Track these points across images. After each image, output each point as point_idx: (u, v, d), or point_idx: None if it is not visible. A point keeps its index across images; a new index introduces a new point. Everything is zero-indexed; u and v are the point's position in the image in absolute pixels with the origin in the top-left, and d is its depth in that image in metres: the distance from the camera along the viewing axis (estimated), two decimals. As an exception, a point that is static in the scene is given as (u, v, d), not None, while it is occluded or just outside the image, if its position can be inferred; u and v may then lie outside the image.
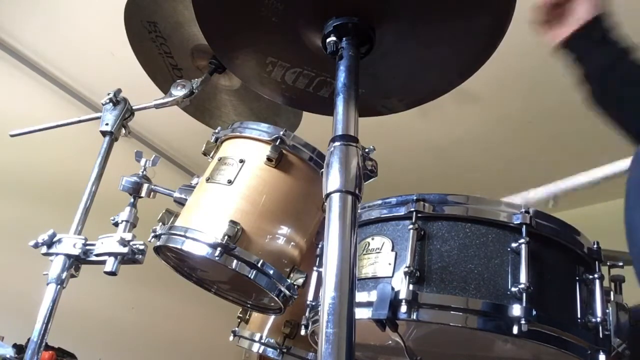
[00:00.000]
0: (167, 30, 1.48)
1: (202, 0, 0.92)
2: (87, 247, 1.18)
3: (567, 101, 2.50)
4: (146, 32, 1.47)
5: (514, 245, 1.01)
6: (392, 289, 0.98)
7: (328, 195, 0.73)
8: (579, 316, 1.02)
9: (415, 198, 1.07)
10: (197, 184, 1.31)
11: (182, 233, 1.15)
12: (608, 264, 1.16)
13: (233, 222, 1.12)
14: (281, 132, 1.24)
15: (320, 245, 1.26)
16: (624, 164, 1.10)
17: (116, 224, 1.32)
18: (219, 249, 1.09)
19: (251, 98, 1.67)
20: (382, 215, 1.12)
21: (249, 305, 1.41)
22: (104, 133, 1.35)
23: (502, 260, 1.00)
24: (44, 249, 1.17)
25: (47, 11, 2.46)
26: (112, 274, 1.15)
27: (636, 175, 0.91)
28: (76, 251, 1.17)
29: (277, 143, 1.22)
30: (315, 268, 1.25)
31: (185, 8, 1.39)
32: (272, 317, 1.53)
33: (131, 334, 2.97)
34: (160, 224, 1.24)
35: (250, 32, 0.96)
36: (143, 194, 1.39)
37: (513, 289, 0.97)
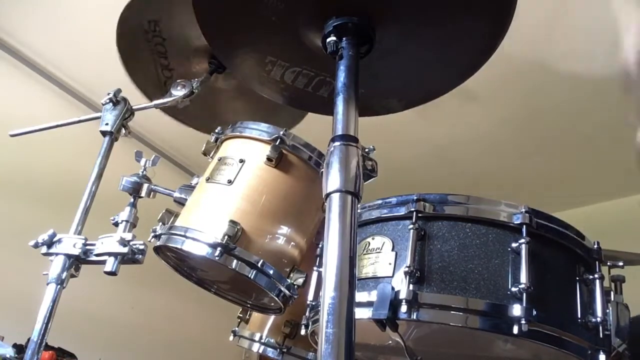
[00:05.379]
0: (169, 29, 1.48)
1: (202, -1, 0.92)
2: (87, 247, 1.18)
3: (568, 101, 2.50)
4: (142, 31, 1.46)
5: (514, 245, 1.01)
6: (393, 288, 0.98)
7: (328, 195, 0.73)
8: (579, 316, 1.02)
9: (415, 198, 1.07)
10: (197, 184, 1.31)
11: (182, 233, 1.15)
12: (608, 264, 1.16)
13: (233, 222, 1.12)
14: (281, 132, 1.24)
15: (320, 245, 1.26)
16: None
17: (116, 224, 1.32)
18: (219, 248, 1.09)
19: (249, 99, 1.67)
20: (383, 215, 1.12)
21: (249, 305, 1.40)
22: (104, 133, 1.35)
23: (503, 260, 1.00)
24: (44, 249, 1.17)
25: (46, 11, 2.46)
26: (112, 274, 1.15)
27: None
28: (76, 251, 1.17)
29: (277, 143, 1.22)
30: (315, 268, 1.25)
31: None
32: (272, 317, 1.53)
33: (131, 334, 2.97)
34: (160, 224, 1.24)
35: (250, 31, 0.96)
36: (143, 194, 1.39)
37: (513, 289, 0.97)
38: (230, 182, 1.21)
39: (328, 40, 0.87)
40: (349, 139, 0.77)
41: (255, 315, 1.58)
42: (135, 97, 1.44)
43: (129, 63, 1.53)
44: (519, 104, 2.59)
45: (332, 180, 0.74)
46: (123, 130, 1.39)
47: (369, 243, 1.10)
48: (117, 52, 1.48)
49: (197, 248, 1.13)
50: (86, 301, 2.31)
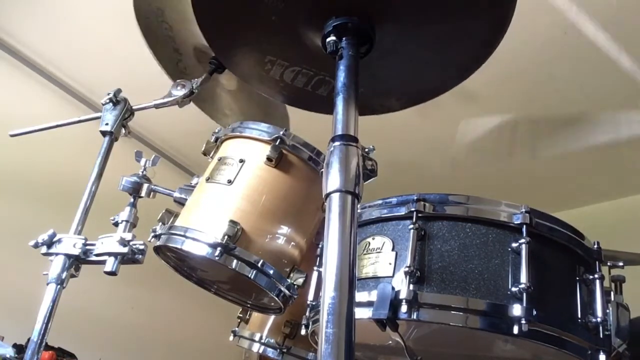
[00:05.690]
0: (173, 20, 1.48)
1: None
2: (87, 247, 1.18)
3: (567, 101, 2.50)
4: (153, 14, 1.47)
5: (514, 245, 1.01)
6: (393, 288, 0.98)
7: (328, 195, 0.73)
8: (579, 316, 1.02)
9: (415, 198, 1.07)
10: (197, 184, 1.31)
11: (182, 233, 1.15)
12: (608, 264, 1.16)
13: (233, 222, 1.12)
14: (281, 132, 1.24)
15: (320, 245, 1.26)
16: None
17: (116, 224, 1.32)
18: (218, 248, 1.09)
19: (245, 98, 1.67)
20: (383, 215, 1.12)
21: (249, 305, 1.40)
22: (104, 133, 1.35)
23: (503, 260, 1.00)
24: (44, 249, 1.17)
25: (46, 11, 2.46)
26: (112, 274, 1.15)
27: None
28: (76, 251, 1.17)
29: (277, 143, 1.22)
30: (315, 268, 1.25)
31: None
32: (272, 317, 1.53)
33: (131, 334, 2.97)
34: (160, 223, 1.24)
35: (250, 31, 0.96)
36: (143, 194, 1.39)
37: (513, 289, 0.97)
38: (230, 182, 1.21)
39: (328, 40, 0.87)
40: (349, 139, 0.77)
41: (255, 315, 1.58)
42: (135, 97, 1.44)
43: (148, 38, 1.52)
44: (519, 104, 2.59)
45: (332, 180, 0.73)
46: (123, 130, 1.39)
47: (369, 243, 1.10)
48: (137, 27, 1.47)
49: (197, 248, 1.13)
50: (86, 301, 2.31)
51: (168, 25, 1.50)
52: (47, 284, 1.15)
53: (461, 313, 0.95)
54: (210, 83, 1.55)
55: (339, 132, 0.78)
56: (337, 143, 0.76)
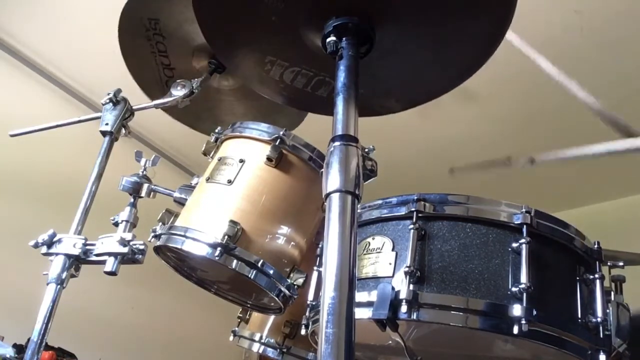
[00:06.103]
0: (169, 28, 1.48)
1: (202, -1, 0.92)
2: (87, 247, 1.18)
3: (567, 101, 2.50)
4: (143, 29, 1.47)
5: (514, 245, 1.01)
6: (393, 288, 0.98)
7: (328, 195, 0.73)
8: (579, 316, 1.02)
9: (415, 198, 1.07)
10: (197, 184, 1.31)
11: (182, 233, 1.15)
12: (609, 264, 1.16)
13: (233, 222, 1.12)
14: (281, 132, 1.24)
15: (320, 245, 1.26)
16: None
17: (116, 224, 1.32)
18: (219, 248, 1.09)
19: (250, 98, 1.67)
20: (383, 215, 1.12)
21: (249, 305, 1.40)
22: (104, 133, 1.35)
23: (503, 260, 1.00)
24: (44, 249, 1.17)
25: (47, 11, 2.46)
26: (112, 274, 1.15)
27: None
28: (76, 251, 1.17)
29: (277, 143, 1.22)
30: (315, 268, 1.25)
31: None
32: (272, 317, 1.53)
33: (131, 334, 2.97)
34: (160, 224, 1.24)
35: (250, 31, 0.96)
36: (143, 194, 1.39)
37: (513, 289, 0.97)
38: (230, 182, 1.21)
39: (328, 40, 0.87)
40: (349, 139, 0.77)
41: (255, 315, 1.58)
42: (135, 97, 1.44)
43: (131, 61, 1.53)
44: (519, 104, 2.59)
45: (332, 180, 0.73)
46: (123, 130, 1.39)
47: (369, 243, 1.10)
48: (119, 50, 1.48)
49: (197, 248, 1.12)
50: (86, 301, 2.31)
51: (161, 37, 1.49)
52: (47, 284, 1.15)
53: (461, 313, 0.95)
54: (206, 97, 1.54)
55: (339, 132, 0.78)
56: (337, 143, 0.76)
